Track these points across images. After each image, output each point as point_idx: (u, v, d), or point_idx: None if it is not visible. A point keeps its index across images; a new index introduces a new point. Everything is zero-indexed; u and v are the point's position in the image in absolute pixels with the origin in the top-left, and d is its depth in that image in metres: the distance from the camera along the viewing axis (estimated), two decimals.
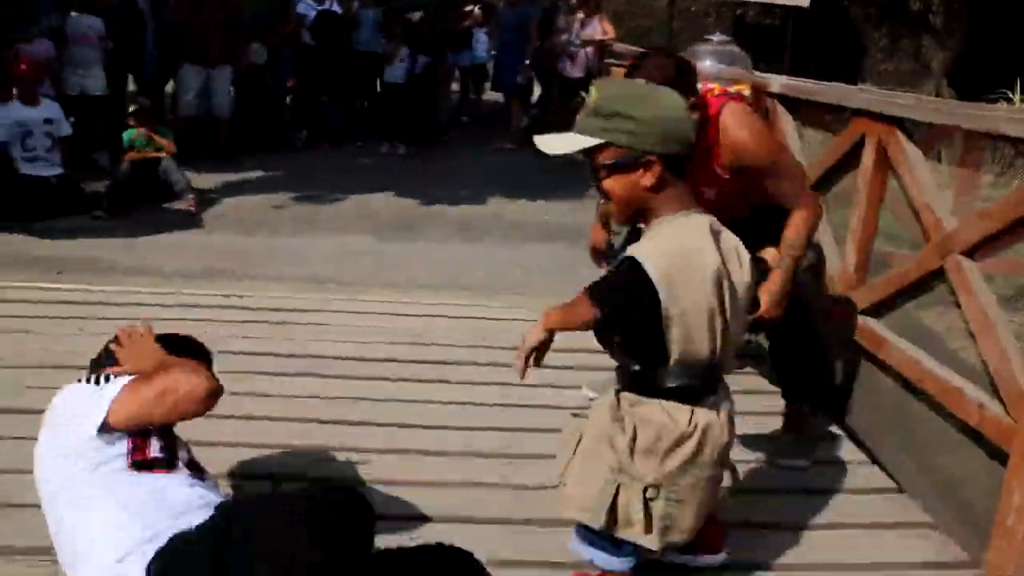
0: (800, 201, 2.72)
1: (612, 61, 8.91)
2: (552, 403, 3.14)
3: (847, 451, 3.12)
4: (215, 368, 2.14)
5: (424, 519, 2.50)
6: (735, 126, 2.76)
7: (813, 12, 9.44)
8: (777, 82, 4.29)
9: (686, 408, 2.01)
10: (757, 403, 3.27)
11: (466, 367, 3.60)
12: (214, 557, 1.70)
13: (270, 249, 5.52)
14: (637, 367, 2.04)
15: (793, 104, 4.17)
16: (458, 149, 9.51)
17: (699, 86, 4.16)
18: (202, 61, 7.47)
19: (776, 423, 3.07)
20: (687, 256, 1.96)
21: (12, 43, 6.46)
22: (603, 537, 2.09)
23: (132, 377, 1.98)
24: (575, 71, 9.51)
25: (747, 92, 4.18)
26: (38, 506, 2.01)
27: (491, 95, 11.26)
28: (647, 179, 1.97)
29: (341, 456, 2.81)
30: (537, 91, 10.45)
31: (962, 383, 2.69)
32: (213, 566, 1.69)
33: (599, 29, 9.57)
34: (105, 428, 1.89)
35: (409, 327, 4.02)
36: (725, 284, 1.97)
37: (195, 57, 7.47)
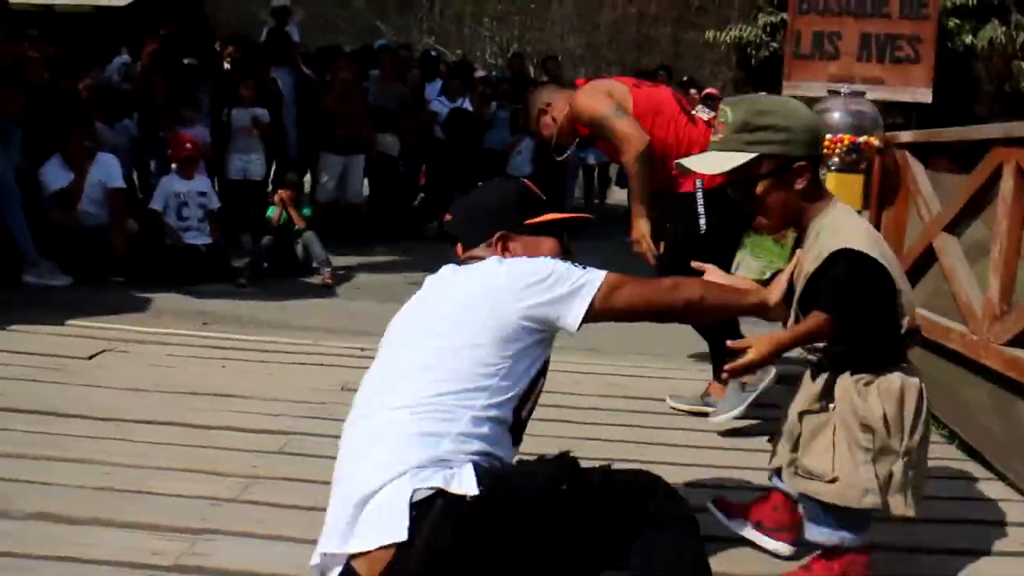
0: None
1: None
2: None
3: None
4: None
5: None
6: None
7: (935, 108, 9.39)
8: (907, 133, 4.28)
9: (908, 370, 2.11)
10: None
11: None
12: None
13: None
14: (864, 346, 2.09)
15: (924, 152, 4.14)
16: (581, 242, 9.63)
17: (828, 136, 4.24)
18: (342, 149, 7.90)
19: None
20: (873, 233, 2.14)
21: (175, 126, 7.08)
22: (846, 518, 2.12)
23: None
24: None
25: (876, 143, 4.21)
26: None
27: (615, 199, 11.40)
28: (801, 184, 2.08)
29: None
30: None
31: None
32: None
33: None
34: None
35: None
36: None
37: (336, 145, 7.91)
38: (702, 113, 3.40)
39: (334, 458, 2.89)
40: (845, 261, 2.00)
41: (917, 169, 4.13)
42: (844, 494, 2.07)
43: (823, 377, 2.15)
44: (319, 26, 13.21)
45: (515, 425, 1.95)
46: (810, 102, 4.66)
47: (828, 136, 4.16)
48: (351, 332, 4.85)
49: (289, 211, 6.67)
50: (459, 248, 2.22)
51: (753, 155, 2.04)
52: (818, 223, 2.11)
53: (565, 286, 1.94)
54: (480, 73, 11.50)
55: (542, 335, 1.96)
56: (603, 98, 3.44)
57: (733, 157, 2.06)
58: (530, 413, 2.02)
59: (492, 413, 1.87)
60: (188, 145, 6.59)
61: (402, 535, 1.66)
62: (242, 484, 2.73)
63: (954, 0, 13.96)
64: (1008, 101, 13.81)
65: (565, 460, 1.81)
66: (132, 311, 5.10)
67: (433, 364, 1.89)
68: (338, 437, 3.06)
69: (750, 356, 2.04)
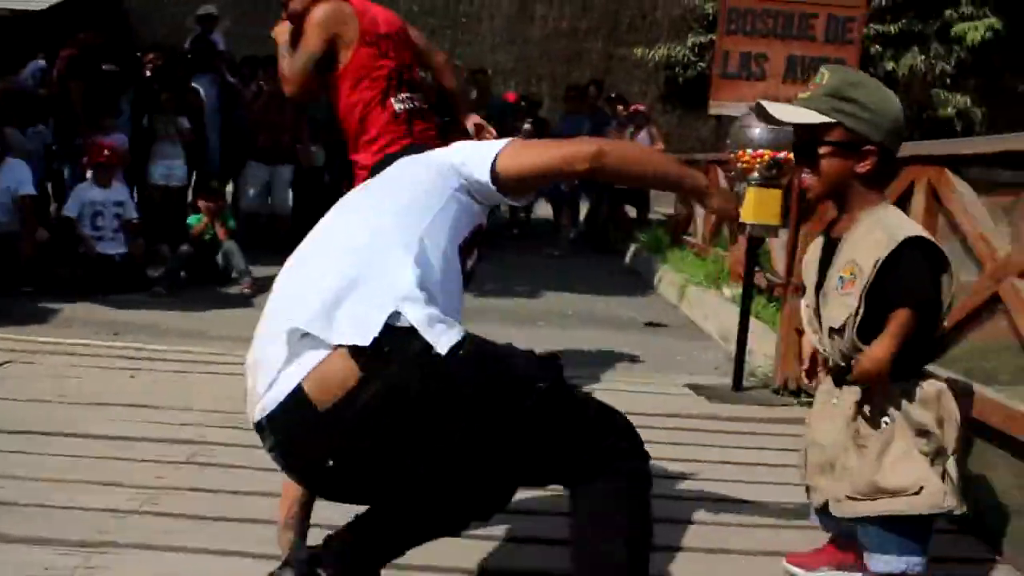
0: None
1: None
2: None
3: None
4: None
5: None
6: None
7: None
8: None
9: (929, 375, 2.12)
10: None
11: None
12: None
13: None
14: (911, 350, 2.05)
15: None
16: (508, 255, 9.65)
17: (748, 151, 4.27)
18: (267, 159, 7.78)
19: None
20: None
21: (93, 133, 6.90)
22: (915, 538, 2.08)
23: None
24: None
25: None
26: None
27: (541, 213, 11.45)
28: (863, 167, 2.07)
29: None
30: (584, 205, 10.62)
31: None
32: None
33: (648, 141, 9.79)
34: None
35: None
36: None
37: (261, 155, 7.79)
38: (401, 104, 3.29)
39: (245, 467, 2.86)
40: (921, 251, 2.01)
41: None
42: (934, 501, 2.03)
43: (851, 393, 2.10)
44: (248, 36, 13.01)
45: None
46: (731, 120, 4.72)
47: (749, 151, 4.19)
48: None
49: (214, 224, 6.55)
50: None
51: (831, 120, 2.02)
52: (875, 213, 2.09)
53: (486, 146, 1.98)
54: None
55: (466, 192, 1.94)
56: (320, 32, 3.21)
57: (812, 115, 2.03)
58: (471, 271, 2.01)
59: (445, 245, 1.82)
60: (106, 152, 6.43)
61: (364, 339, 1.59)
62: (146, 495, 2.63)
63: (877, 27, 14.37)
64: (927, 128, 14.23)
65: (553, 363, 1.76)
66: (40, 321, 4.96)
67: (389, 208, 1.84)
68: (251, 446, 3.02)
69: (862, 373, 2.04)
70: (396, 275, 1.67)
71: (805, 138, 2.08)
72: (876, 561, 2.09)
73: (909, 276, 2.00)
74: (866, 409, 2.08)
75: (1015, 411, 2.57)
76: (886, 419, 2.06)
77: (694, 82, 15.53)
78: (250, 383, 1.74)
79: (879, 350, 1.99)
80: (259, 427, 1.72)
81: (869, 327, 2.03)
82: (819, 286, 2.17)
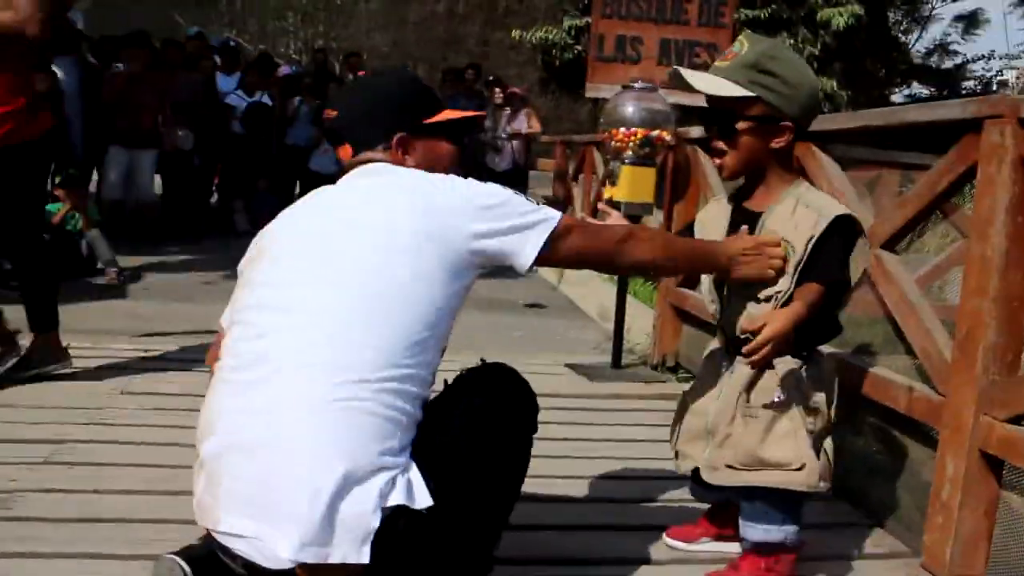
0: None
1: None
2: None
3: None
4: None
5: None
6: None
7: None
8: (697, 129, 4.42)
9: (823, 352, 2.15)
10: None
11: None
12: None
13: (198, 314, 5.37)
14: (815, 327, 2.05)
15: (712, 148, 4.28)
16: None
17: (622, 130, 4.31)
18: (128, 143, 7.44)
19: None
20: None
21: None
22: (794, 511, 2.11)
23: None
24: (502, 164, 9.73)
25: (668, 137, 4.32)
26: None
27: None
28: (779, 142, 2.04)
29: None
30: None
31: (890, 374, 2.70)
32: None
33: (525, 123, 9.83)
34: None
35: None
36: None
37: (121, 139, 7.44)
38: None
39: (108, 465, 2.72)
40: (845, 231, 2.01)
41: (706, 163, 4.27)
42: (810, 480, 2.04)
43: (747, 364, 2.06)
44: (111, 17, 12.46)
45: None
46: (606, 100, 4.75)
47: (622, 130, 4.23)
48: (136, 333, 4.56)
49: (79, 214, 6.24)
50: (346, 149, 1.97)
51: (752, 95, 1.98)
52: (794, 189, 2.07)
53: (521, 216, 1.74)
54: (285, 69, 11.17)
55: (478, 272, 1.77)
56: None
57: (733, 87, 1.98)
58: None
59: (426, 374, 1.67)
60: None
61: (365, 558, 1.52)
62: None
63: (747, 12, 14.74)
64: None
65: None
66: None
67: (365, 314, 1.60)
68: (115, 443, 2.89)
69: (767, 334, 1.93)
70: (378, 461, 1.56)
71: (720, 110, 2.03)
72: (754, 530, 2.12)
73: (829, 254, 2.01)
74: (761, 381, 2.08)
75: (880, 378, 2.65)
76: (779, 393, 2.05)
77: (571, 65, 15.63)
78: (226, 485, 1.58)
79: (781, 322, 1.95)
80: (224, 550, 1.61)
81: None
82: None
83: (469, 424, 1.70)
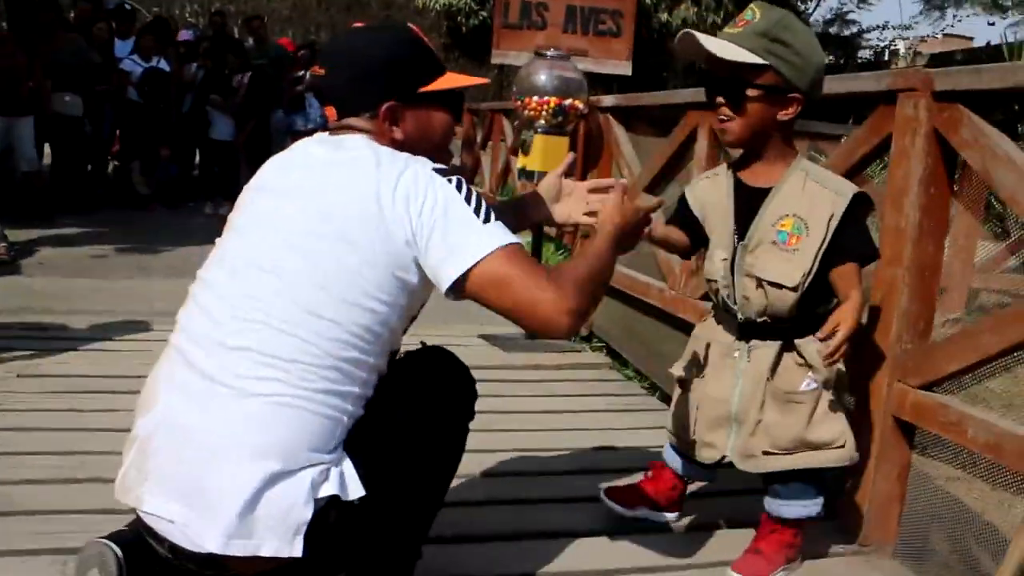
0: None
1: None
2: None
3: None
4: None
5: None
6: None
7: (634, 83, 9.93)
8: (609, 97, 4.42)
9: None
10: None
11: None
12: None
13: (98, 289, 5.17)
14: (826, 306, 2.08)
15: (625, 116, 4.29)
16: None
17: (535, 99, 4.27)
18: (3, 111, 7.01)
19: None
20: None
21: None
22: (823, 488, 2.15)
23: None
24: None
25: (581, 106, 4.30)
26: None
27: None
28: (786, 114, 2.01)
29: None
30: None
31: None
32: None
33: None
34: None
35: None
36: None
37: None
38: None
39: (9, 454, 2.58)
40: (865, 207, 2.02)
41: (619, 132, 4.28)
42: (852, 454, 2.11)
43: (768, 348, 2.09)
44: None
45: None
46: (515, 69, 4.71)
47: (535, 98, 4.19)
48: (32, 311, 4.35)
49: None
50: (331, 111, 1.81)
51: (765, 63, 1.94)
52: (798, 164, 2.06)
53: (461, 232, 1.58)
54: (185, 34, 10.73)
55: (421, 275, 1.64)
56: None
57: (748, 54, 1.93)
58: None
59: (377, 362, 1.63)
60: None
61: (298, 551, 1.48)
62: None
63: None
64: (699, 78, 14.82)
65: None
66: None
67: (314, 300, 1.54)
68: (10, 430, 2.74)
69: (844, 333, 1.92)
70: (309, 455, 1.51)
71: (733, 79, 1.99)
72: (791, 508, 2.15)
73: (856, 233, 2.03)
74: (783, 363, 2.09)
75: None
76: (811, 375, 2.07)
77: (477, 31, 15.50)
78: (155, 463, 1.53)
79: (853, 318, 1.94)
80: (150, 532, 1.54)
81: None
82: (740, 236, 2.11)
83: (404, 413, 1.66)
